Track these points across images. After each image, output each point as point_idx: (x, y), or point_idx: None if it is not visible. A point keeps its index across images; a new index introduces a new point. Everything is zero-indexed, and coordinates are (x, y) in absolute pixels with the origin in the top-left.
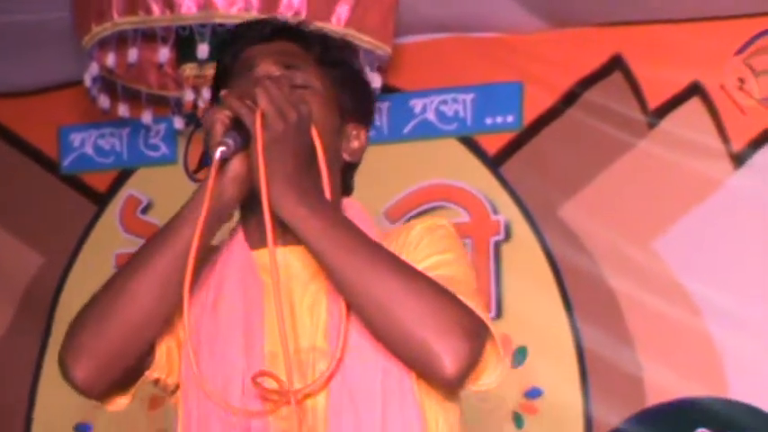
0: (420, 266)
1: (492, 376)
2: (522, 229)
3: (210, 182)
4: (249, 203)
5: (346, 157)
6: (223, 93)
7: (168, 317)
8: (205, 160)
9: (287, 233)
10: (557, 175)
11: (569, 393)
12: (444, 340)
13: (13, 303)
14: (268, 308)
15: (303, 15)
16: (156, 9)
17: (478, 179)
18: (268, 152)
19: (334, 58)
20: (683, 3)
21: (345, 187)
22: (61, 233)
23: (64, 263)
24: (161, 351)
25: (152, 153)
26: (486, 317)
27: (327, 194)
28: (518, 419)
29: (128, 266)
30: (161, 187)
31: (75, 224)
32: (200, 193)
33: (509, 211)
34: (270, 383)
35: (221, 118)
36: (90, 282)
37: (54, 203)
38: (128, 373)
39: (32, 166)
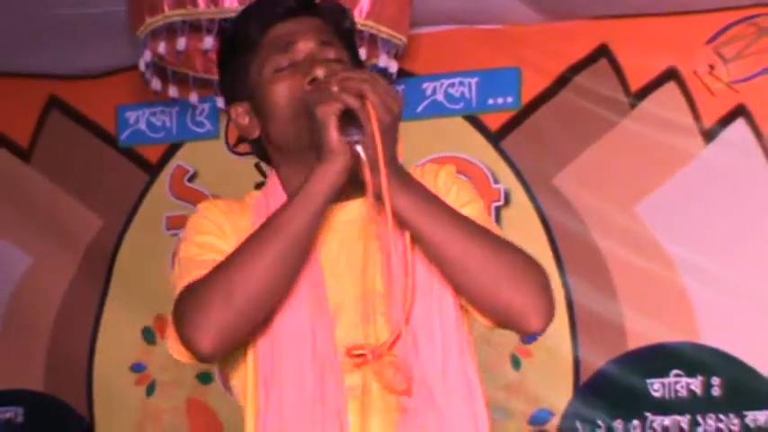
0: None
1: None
2: (519, 196)
3: (368, 178)
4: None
5: None
6: (334, 88)
7: (287, 289)
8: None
9: (343, 191)
10: (550, 149)
11: (560, 339)
12: (529, 299)
13: (77, 259)
14: (325, 260)
15: None
16: (201, 3)
17: (482, 152)
18: (385, 144)
19: (349, 29)
20: None
21: None
22: (118, 198)
23: (121, 223)
24: None
25: (197, 129)
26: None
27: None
28: (515, 361)
29: (248, 250)
30: (205, 158)
31: (131, 190)
32: (312, 182)
33: (508, 180)
34: (357, 351)
35: (335, 111)
36: (143, 240)
37: (112, 172)
38: (240, 341)
39: (94, 140)
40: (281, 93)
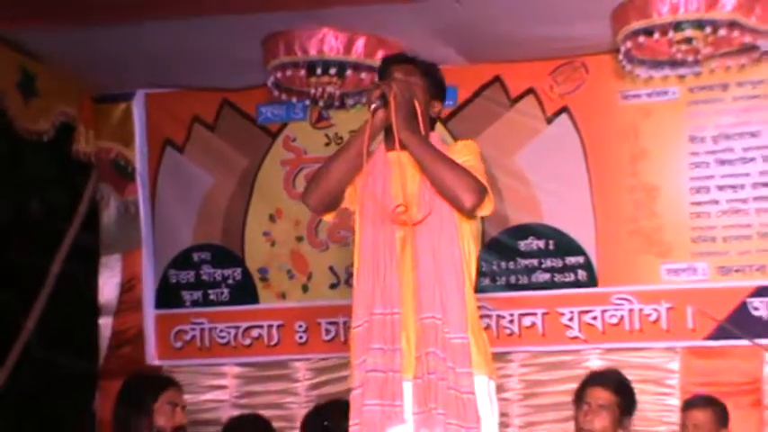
0: (459, 161)
1: (487, 210)
2: None
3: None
4: (386, 131)
5: (433, 114)
6: (384, 84)
7: (352, 179)
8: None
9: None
10: (471, 127)
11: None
12: (467, 193)
13: (234, 181)
14: (393, 177)
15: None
16: (299, 52)
17: (438, 128)
18: (397, 110)
19: (426, 70)
20: (465, 50)
21: (432, 127)
22: (256, 149)
23: (258, 162)
24: (349, 194)
25: (296, 116)
26: (486, 183)
27: (422, 131)
28: None
29: (333, 155)
30: (299, 131)
31: (262, 146)
32: (364, 126)
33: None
34: (401, 211)
35: (377, 93)
36: (269, 171)
37: (253, 137)
38: (333, 204)
39: (244, 121)
40: None
